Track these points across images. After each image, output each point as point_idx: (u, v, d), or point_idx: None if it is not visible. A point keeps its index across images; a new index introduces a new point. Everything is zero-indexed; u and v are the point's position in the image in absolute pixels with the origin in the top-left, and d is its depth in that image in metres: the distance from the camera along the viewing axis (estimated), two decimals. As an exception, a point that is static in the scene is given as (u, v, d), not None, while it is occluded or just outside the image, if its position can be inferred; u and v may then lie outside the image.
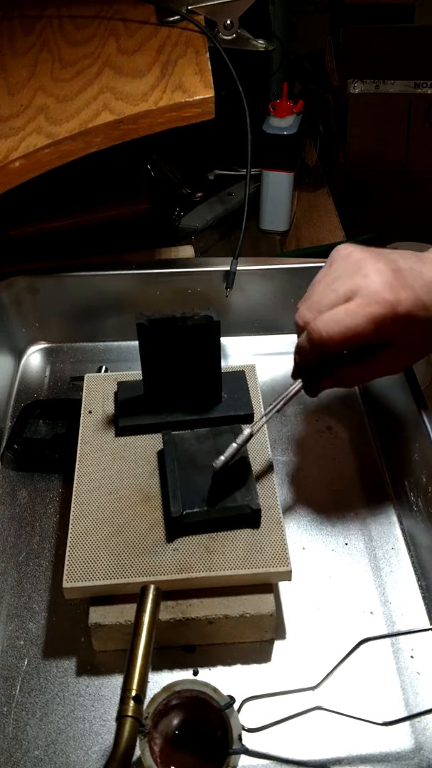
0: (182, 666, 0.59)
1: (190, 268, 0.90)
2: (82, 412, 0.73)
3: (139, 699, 0.49)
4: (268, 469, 0.67)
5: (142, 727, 0.48)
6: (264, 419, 0.66)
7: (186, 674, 0.59)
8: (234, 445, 0.63)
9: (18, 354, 0.90)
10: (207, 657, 0.60)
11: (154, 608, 0.54)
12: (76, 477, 0.67)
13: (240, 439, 0.63)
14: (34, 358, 0.90)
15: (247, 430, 0.64)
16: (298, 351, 0.64)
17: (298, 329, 0.64)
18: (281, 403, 0.66)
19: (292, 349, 0.65)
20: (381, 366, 0.64)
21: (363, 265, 0.61)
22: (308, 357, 0.63)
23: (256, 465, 0.66)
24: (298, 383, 0.66)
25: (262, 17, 1.16)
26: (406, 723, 0.56)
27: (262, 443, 0.69)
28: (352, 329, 0.59)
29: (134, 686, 0.49)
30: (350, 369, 0.65)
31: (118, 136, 0.75)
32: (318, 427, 0.80)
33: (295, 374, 0.67)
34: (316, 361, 0.63)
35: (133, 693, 0.49)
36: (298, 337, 0.65)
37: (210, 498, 0.62)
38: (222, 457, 0.62)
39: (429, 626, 0.62)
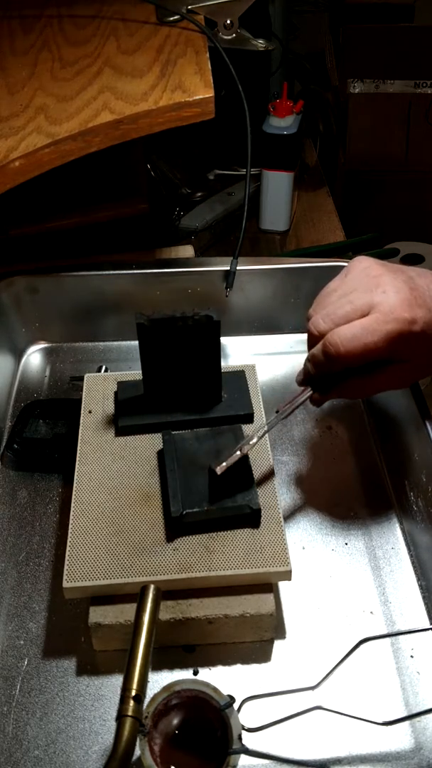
0: (182, 666, 0.59)
1: (190, 268, 0.90)
2: (82, 412, 0.73)
3: (139, 699, 0.49)
4: (268, 469, 0.67)
5: (142, 726, 0.48)
6: (269, 425, 0.66)
7: (186, 674, 0.59)
8: (238, 453, 0.63)
9: (18, 354, 0.90)
10: (207, 657, 0.60)
11: (154, 608, 0.54)
12: (76, 477, 0.67)
13: (245, 449, 0.63)
14: (34, 358, 0.90)
15: (254, 439, 0.64)
16: (313, 361, 0.64)
17: (312, 338, 0.64)
18: (289, 410, 0.66)
19: (292, 349, 0.65)
20: (388, 381, 0.65)
21: (382, 281, 0.62)
22: (322, 368, 0.64)
23: (256, 465, 0.66)
24: (308, 392, 0.66)
25: (262, 17, 1.15)
26: (406, 723, 0.56)
27: (262, 443, 0.69)
28: (370, 346, 0.60)
29: (134, 686, 0.49)
30: (357, 381, 0.65)
31: (118, 136, 0.75)
32: (318, 427, 0.80)
33: (303, 382, 0.67)
34: (328, 372, 0.64)
35: (133, 693, 0.49)
36: (310, 344, 0.65)
37: (210, 498, 0.62)
38: (224, 464, 0.62)
39: (429, 626, 0.62)
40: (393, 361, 0.63)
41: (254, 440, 0.64)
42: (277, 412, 0.66)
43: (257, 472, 0.65)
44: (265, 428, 0.65)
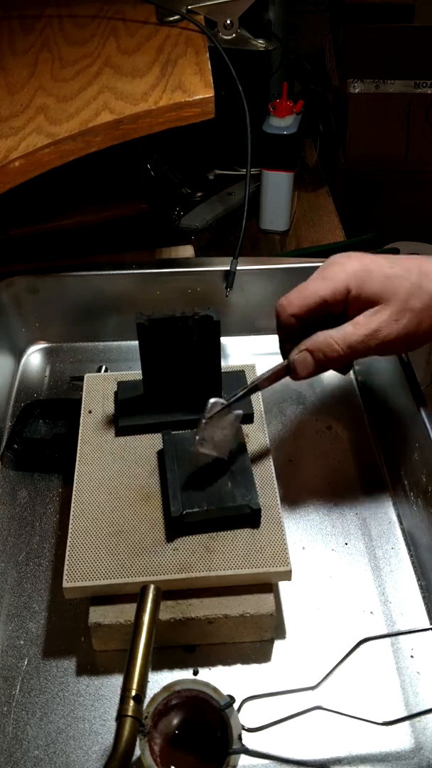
0: (182, 666, 0.59)
1: (190, 268, 0.90)
2: (82, 411, 0.73)
3: (139, 699, 0.49)
4: (268, 468, 0.67)
5: (142, 726, 0.48)
6: (242, 391, 0.66)
7: (186, 674, 0.59)
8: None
9: (18, 354, 0.90)
10: (207, 657, 0.60)
11: (154, 608, 0.54)
12: (76, 477, 0.67)
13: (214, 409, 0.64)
14: (34, 358, 0.90)
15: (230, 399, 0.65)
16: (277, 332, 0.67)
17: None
18: (261, 379, 0.66)
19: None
20: (354, 331, 0.63)
21: (334, 257, 0.64)
22: (279, 333, 0.66)
23: (256, 465, 0.66)
24: (282, 363, 0.66)
25: (262, 17, 1.15)
26: (406, 723, 0.56)
27: (262, 443, 0.69)
28: (306, 289, 0.63)
29: (134, 686, 0.49)
30: (321, 334, 0.64)
31: (118, 136, 0.75)
32: (318, 427, 0.80)
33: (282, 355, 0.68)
34: (286, 333, 0.65)
35: (133, 693, 0.49)
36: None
37: (210, 498, 0.62)
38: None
39: (429, 626, 0.62)
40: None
41: (233, 399, 0.65)
42: (255, 387, 0.67)
43: (257, 472, 0.65)
44: (240, 393, 0.66)
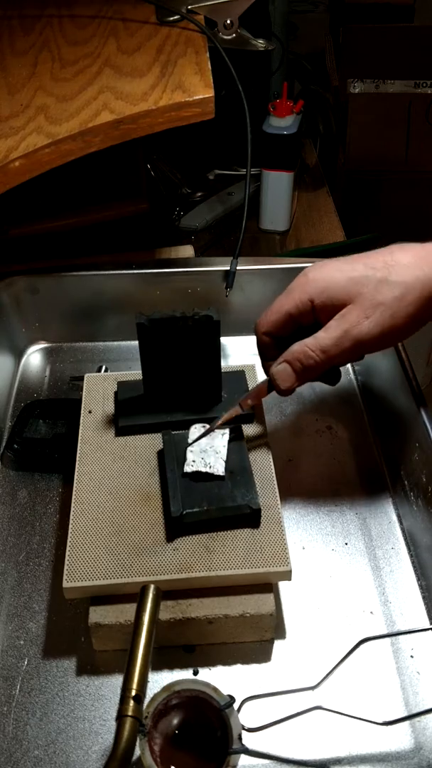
0: (182, 666, 0.59)
1: (190, 268, 0.90)
2: (82, 411, 0.73)
3: (139, 699, 0.49)
4: (268, 469, 0.67)
5: (142, 726, 0.48)
6: (221, 416, 0.67)
7: (186, 674, 0.59)
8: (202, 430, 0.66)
9: (18, 354, 0.90)
10: (207, 657, 0.60)
11: (154, 608, 0.54)
12: (76, 477, 0.67)
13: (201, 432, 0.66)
14: (34, 357, 0.90)
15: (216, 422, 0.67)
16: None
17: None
18: (244, 398, 0.68)
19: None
20: (325, 337, 0.63)
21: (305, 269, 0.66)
22: (259, 352, 0.68)
23: (256, 465, 0.66)
24: (265, 380, 0.68)
25: (262, 17, 1.15)
26: (406, 723, 0.56)
27: (262, 443, 0.69)
28: (274, 306, 0.65)
29: (134, 686, 0.49)
30: (296, 345, 0.64)
31: (118, 136, 0.75)
32: (318, 427, 0.80)
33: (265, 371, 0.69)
34: (264, 352, 0.68)
35: (133, 693, 0.49)
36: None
37: (210, 498, 0.62)
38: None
39: (429, 626, 0.62)
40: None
41: (217, 422, 0.67)
42: (240, 406, 0.68)
43: (257, 472, 0.65)
44: (221, 416, 0.67)
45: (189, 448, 0.65)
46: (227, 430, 0.67)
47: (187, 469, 0.64)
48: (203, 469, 0.63)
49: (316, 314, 0.64)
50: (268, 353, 0.67)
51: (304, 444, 0.78)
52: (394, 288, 0.61)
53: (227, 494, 0.62)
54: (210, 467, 0.64)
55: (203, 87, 0.77)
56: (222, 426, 0.67)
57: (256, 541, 0.61)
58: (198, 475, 0.64)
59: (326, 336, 0.63)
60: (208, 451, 0.65)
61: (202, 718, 0.51)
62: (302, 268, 0.86)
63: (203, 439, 0.66)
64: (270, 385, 0.67)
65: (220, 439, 0.66)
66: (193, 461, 0.64)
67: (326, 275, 0.63)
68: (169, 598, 0.58)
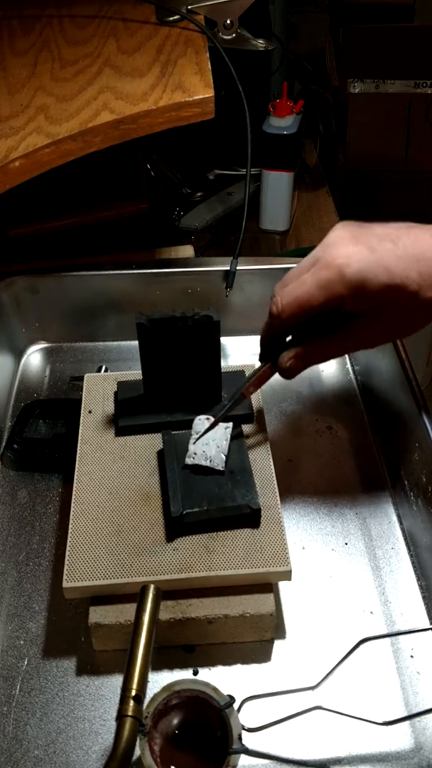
0: (182, 666, 0.59)
1: (190, 268, 0.90)
2: (82, 411, 0.73)
3: (139, 699, 0.49)
4: (268, 469, 0.67)
5: (142, 726, 0.48)
6: (228, 405, 0.66)
7: (186, 674, 0.59)
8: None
9: (18, 354, 0.90)
10: (207, 657, 0.60)
11: (154, 608, 0.54)
12: (76, 477, 0.67)
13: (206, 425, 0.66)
14: (34, 357, 0.90)
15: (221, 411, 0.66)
16: (264, 327, 0.63)
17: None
18: (246, 385, 0.66)
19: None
20: (348, 339, 0.61)
21: (328, 236, 0.60)
22: (268, 332, 0.63)
23: (256, 465, 0.66)
24: (266, 365, 0.65)
25: (262, 17, 1.15)
26: (406, 723, 0.56)
27: (262, 443, 0.69)
28: (302, 297, 0.58)
29: (134, 686, 0.49)
30: (316, 343, 0.62)
31: (118, 136, 0.75)
32: (318, 427, 0.80)
33: (262, 357, 0.66)
34: (277, 335, 0.62)
35: (133, 693, 0.49)
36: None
37: (210, 498, 0.62)
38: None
39: (429, 626, 0.62)
40: (355, 317, 0.59)
41: (221, 412, 0.66)
42: (241, 396, 0.66)
43: (257, 472, 0.65)
44: (227, 407, 0.66)
45: (191, 441, 0.65)
46: (231, 424, 0.67)
47: (188, 461, 0.64)
48: (204, 463, 0.63)
49: (342, 304, 0.58)
50: (278, 335, 0.63)
51: (304, 444, 0.78)
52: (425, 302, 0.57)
53: (227, 494, 0.62)
54: (210, 461, 0.64)
55: (203, 87, 0.77)
56: (225, 419, 0.67)
57: (256, 541, 0.61)
58: (198, 469, 0.64)
59: (345, 343, 0.61)
60: (210, 444, 0.65)
61: (202, 718, 0.51)
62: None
63: (205, 432, 0.66)
64: (270, 371, 0.65)
65: (223, 432, 0.66)
66: (194, 453, 0.64)
67: (363, 276, 0.56)
68: (169, 598, 0.58)
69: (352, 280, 0.56)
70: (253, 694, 0.54)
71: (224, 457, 0.64)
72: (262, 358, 0.66)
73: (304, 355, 0.62)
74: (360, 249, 0.56)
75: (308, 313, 0.59)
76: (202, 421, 0.67)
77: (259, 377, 0.66)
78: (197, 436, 0.65)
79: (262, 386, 0.67)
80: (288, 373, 0.63)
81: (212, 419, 0.66)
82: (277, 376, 0.65)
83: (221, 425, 0.66)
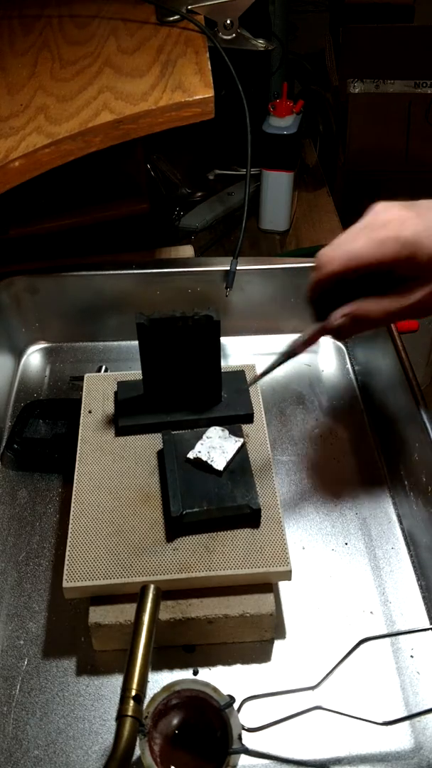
0: (182, 666, 0.59)
1: (190, 268, 0.90)
2: (82, 411, 0.73)
3: (139, 699, 0.49)
4: (268, 469, 0.67)
5: (141, 726, 0.48)
6: (278, 359, 0.64)
7: (186, 674, 0.59)
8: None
9: (18, 354, 0.90)
10: (207, 657, 0.60)
11: (154, 608, 0.54)
12: (76, 477, 0.67)
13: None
14: (34, 357, 0.90)
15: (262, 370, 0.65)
16: (309, 286, 0.62)
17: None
18: (297, 344, 0.63)
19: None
20: (400, 301, 0.60)
21: (375, 206, 0.61)
22: (314, 287, 0.61)
23: (256, 465, 0.66)
24: (312, 327, 0.63)
25: (262, 17, 1.15)
26: (406, 723, 0.56)
27: (262, 443, 0.69)
28: (353, 250, 0.58)
29: (134, 686, 0.49)
30: (367, 301, 0.61)
31: (118, 136, 0.75)
32: (318, 427, 0.80)
33: (312, 317, 0.63)
34: (322, 288, 0.61)
35: (133, 693, 0.49)
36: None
37: (210, 498, 0.62)
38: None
39: (429, 626, 0.62)
40: (405, 281, 0.59)
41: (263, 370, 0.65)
42: (292, 352, 0.64)
43: (257, 472, 0.65)
44: (275, 361, 0.64)
45: (200, 441, 0.65)
46: (242, 439, 0.67)
47: (190, 455, 0.64)
48: (205, 459, 0.63)
49: (396, 269, 0.59)
50: (324, 290, 0.61)
51: (304, 444, 0.78)
52: None
53: (227, 494, 0.62)
54: (212, 460, 0.64)
55: (203, 87, 0.77)
56: (238, 433, 0.67)
57: (256, 541, 0.61)
58: (198, 463, 0.64)
59: (394, 305, 0.60)
60: (216, 449, 0.65)
61: (202, 718, 0.51)
62: (302, 268, 0.87)
63: (215, 438, 0.66)
64: (321, 331, 0.62)
65: (232, 443, 0.66)
66: (199, 451, 0.64)
67: (418, 239, 0.57)
68: (169, 598, 0.58)
69: (408, 241, 0.57)
70: (253, 694, 0.54)
71: (225, 462, 0.64)
72: (313, 318, 0.64)
73: (355, 313, 0.61)
74: (412, 215, 0.58)
75: (358, 268, 0.59)
76: (216, 431, 0.67)
77: (311, 337, 0.63)
78: (264, 370, 0.64)
79: (311, 346, 0.64)
80: (338, 332, 0.62)
81: (226, 431, 0.66)
82: (280, 379, 0.65)
83: (231, 438, 0.66)
